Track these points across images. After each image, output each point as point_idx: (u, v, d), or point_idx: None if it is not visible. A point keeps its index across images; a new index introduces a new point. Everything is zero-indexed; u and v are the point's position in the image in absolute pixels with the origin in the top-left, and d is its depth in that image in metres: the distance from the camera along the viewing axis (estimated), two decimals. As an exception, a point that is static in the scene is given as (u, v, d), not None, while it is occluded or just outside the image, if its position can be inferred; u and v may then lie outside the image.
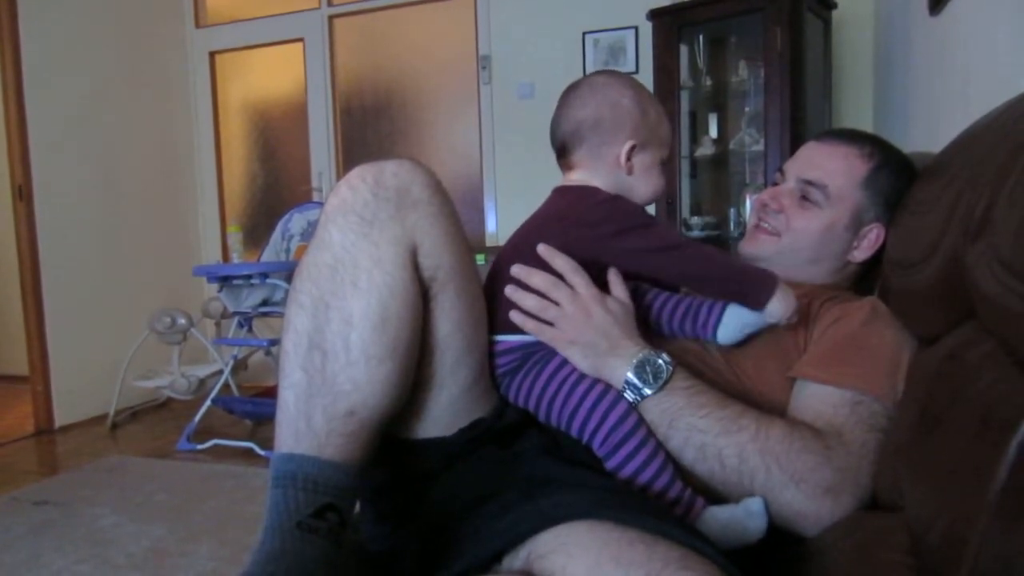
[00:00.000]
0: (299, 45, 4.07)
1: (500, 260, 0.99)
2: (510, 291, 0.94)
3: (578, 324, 0.92)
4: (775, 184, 1.19)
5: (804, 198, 1.11)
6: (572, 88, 1.02)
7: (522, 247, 0.97)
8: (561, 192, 1.02)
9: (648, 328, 1.01)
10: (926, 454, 0.74)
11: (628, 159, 0.99)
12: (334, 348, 0.78)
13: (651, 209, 2.94)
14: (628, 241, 0.93)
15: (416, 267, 0.82)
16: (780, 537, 0.86)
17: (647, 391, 0.89)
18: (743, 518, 0.84)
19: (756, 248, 1.15)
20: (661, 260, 0.93)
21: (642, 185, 1.01)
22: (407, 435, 0.90)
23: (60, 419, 3.43)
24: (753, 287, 0.93)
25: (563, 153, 1.03)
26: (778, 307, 0.92)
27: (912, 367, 0.91)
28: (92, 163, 3.63)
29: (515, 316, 0.94)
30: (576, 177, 1.01)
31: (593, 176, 1.00)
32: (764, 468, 0.85)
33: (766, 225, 1.15)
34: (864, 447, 0.87)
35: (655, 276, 1.00)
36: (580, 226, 0.95)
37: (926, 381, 0.81)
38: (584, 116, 0.99)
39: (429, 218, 0.82)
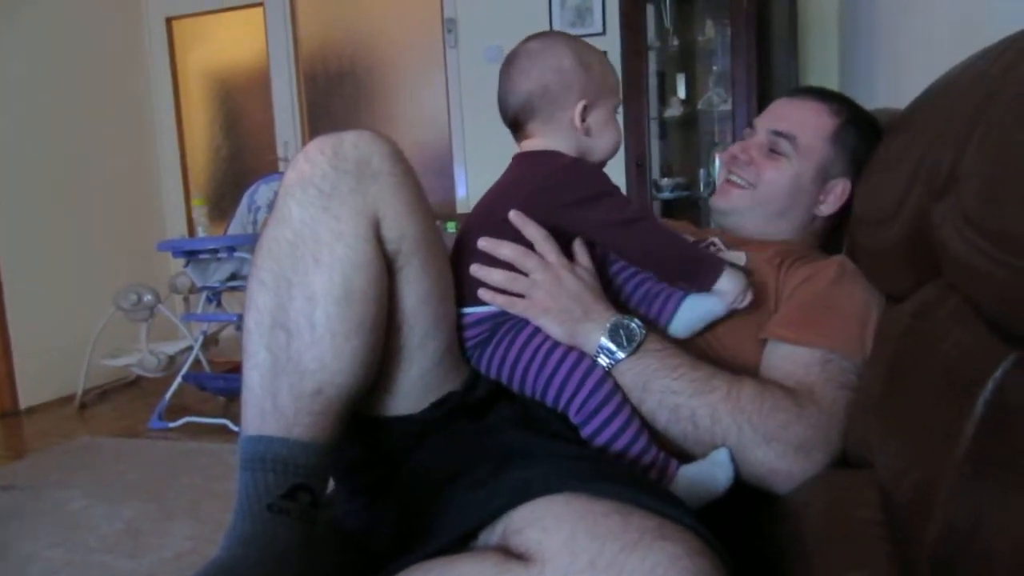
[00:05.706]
0: (259, 10, 3.94)
1: (464, 233, 0.98)
2: (475, 269, 0.93)
3: (551, 291, 0.91)
4: (743, 139, 1.19)
5: (772, 151, 1.12)
6: (511, 60, 0.99)
7: (486, 218, 0.96)
8: (520, 159, 1.00)
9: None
10: (895, 411, 0.74)
11: (583, 120, 0.97)
12: (298, 326, 0.76)
13: (622, 174, 2.95)
14: (587, 212, 0.92)
15: (379, 240, 0.80)
16: (754, 498, 0.87)
17: (621, 355, 0.89)
18: (710, 468, 0.85)
19: (729, 202, 1.15)
20: (617, 235, 0.92)
21: (602, 142, 1.00)
22: (378, 412, 0.88)
23: (25, 400, 3.37)
24: (700, 267, 0.92)
25: (517, 126, 1.01)
26: (727, 284, 0.91)
27: (880, 325, 0.91)
28: (47, 136, 3.51)
29: (483, 294, 0.93)
30: (534, 143, 0.99)
31: (552, 143, 0.98)
32: (736, 428, 0.86)
33: (736, 179, 1.14)
34: (834, 404, 0.88)
35: (612, 249, 0.99)
36: (540, 193, 0.94)
37: (894, 339, 0.82)
38: (530, 87, 0.96)
39: (391, 189, 0.80)
